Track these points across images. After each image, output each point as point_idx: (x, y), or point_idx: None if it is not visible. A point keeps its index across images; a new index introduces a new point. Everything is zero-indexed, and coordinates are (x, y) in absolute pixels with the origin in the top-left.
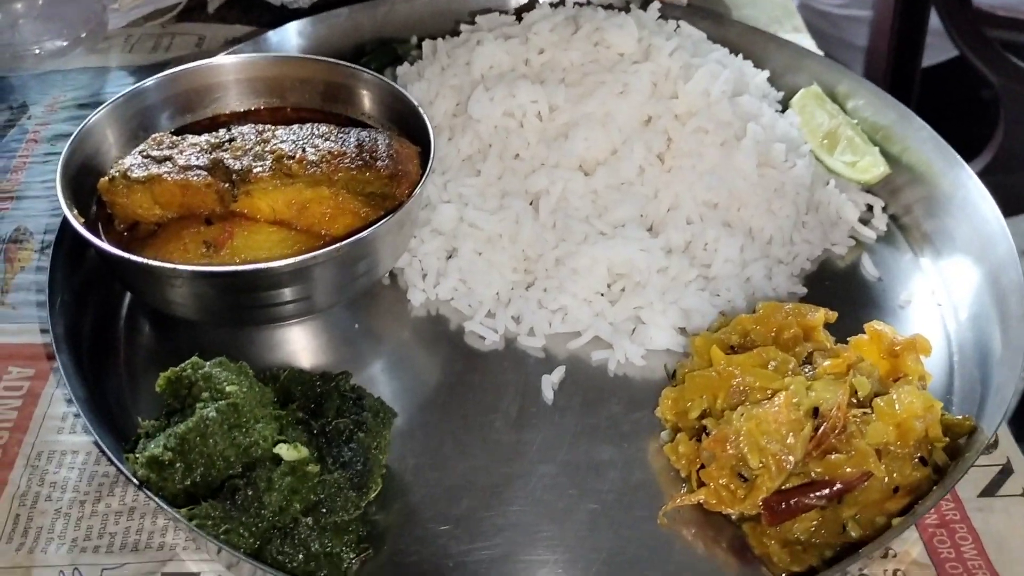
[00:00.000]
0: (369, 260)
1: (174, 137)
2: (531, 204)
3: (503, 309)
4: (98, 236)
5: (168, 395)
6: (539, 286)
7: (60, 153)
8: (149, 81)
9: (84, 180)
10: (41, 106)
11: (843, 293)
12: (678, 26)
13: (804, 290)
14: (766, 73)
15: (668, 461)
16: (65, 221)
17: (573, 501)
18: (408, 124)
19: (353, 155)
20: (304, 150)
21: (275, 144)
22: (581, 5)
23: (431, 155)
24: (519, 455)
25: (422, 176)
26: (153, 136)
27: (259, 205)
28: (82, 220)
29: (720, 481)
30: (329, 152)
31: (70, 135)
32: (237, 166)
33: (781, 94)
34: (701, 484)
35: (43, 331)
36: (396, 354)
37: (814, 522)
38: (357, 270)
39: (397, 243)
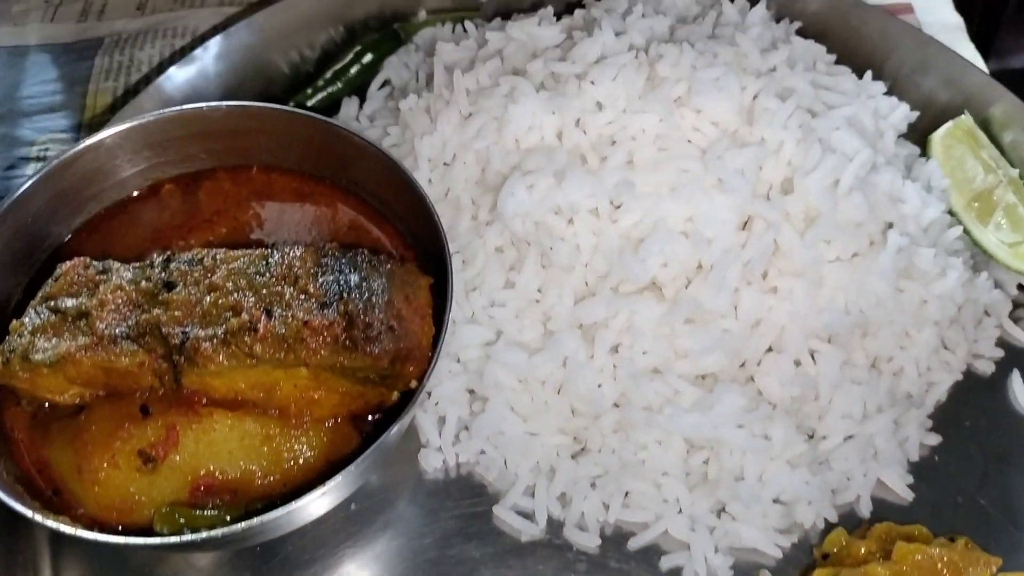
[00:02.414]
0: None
1: (91, 268)
2: (583, 332)
3: (545, 484)
4: None
5: None
6: (592, 459)
7: None
8: (40, 175)
9: None
10: None
11: (987, 439)
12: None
13: (937, 438)
14: (905, 108)
15: None
16: None
17: None
18: (411, 204)
19: (339, 330)
20: (269, 313)
21: (227, 295)
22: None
23: (449, 297)
24: None
25: (437, 340)
26: (63, 268)
27: (213, 383)
28: None
29: None
30: (305, 324)
31: None
32: (179, 337)
33: (915, 115)
34: None
35: None
36: (401, 553)
37: None
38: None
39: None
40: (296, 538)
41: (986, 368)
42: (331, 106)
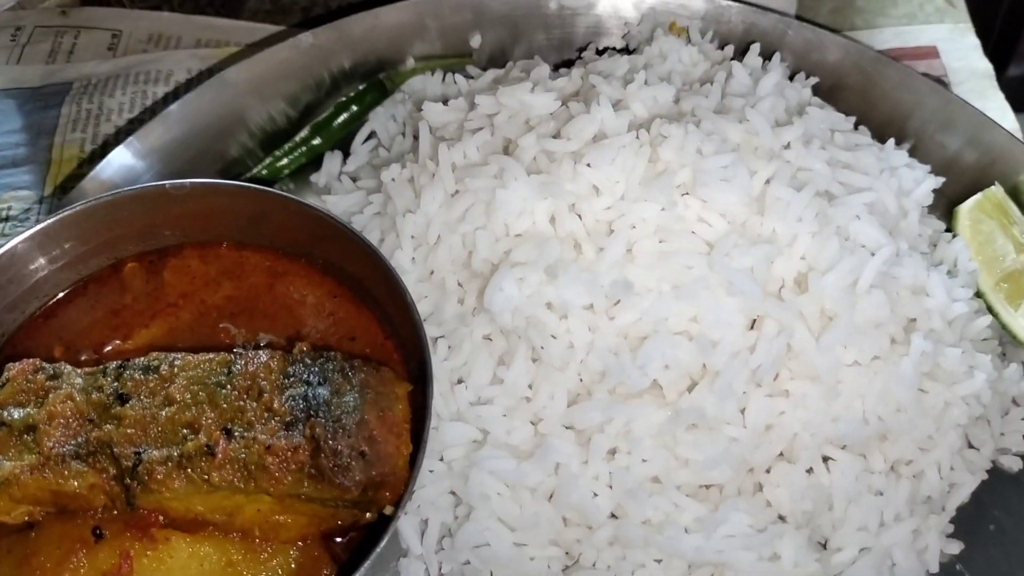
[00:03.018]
0: None
1: (41, 373)
2: (576, 436)
3: None
4: None
5: None
6: (585, 574)
7: None
8: None
9: None
10: None
11: (1014, 545)
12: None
13: (959, 545)
14: (929, 182)
15: None
16: None
17: None
18: (390, 290)
19: (304, 456)
20: (229, 433)
21: (184, 409)
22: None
23: (428, 414)
24: None
25: (415, 460)
26: (11, 372)
27: (169, 504)
28: None
29: None
30: (268, 449)
31: None
32: (132, 459)
33: (940, 181)
34: None
35: None
36: None
37: None
38: None
39: None
40: None
41: (1012, 464)
42: (313, 162)
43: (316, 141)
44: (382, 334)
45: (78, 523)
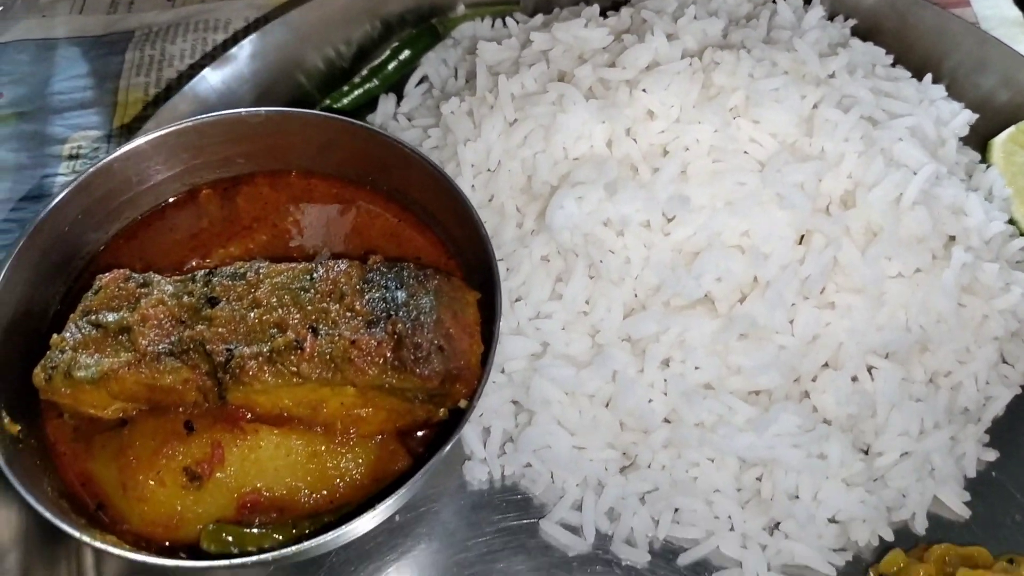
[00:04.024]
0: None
1: (131, 281)
2: (632, 347)
3: (593, 498)
4: (37, 425)
5: None
6: (641, 474)
7: None
8: (76, 183)
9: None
10: None
11: None
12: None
13: (994, 454)
14: (966, 114)
15: None
16: None
17: None
18: (455, 212)
19: (387, 350)
20: (315, 331)
21: (271, 311)
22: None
23: (497, 315)
24: None
25: (486, 358)
26: (103, 280)
27: (257, 399)
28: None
29: None
30: (352, 344)
31: None
32: (224, 355)
33: (975, 117)
34: None
35: None
36: (447, 565)
37: None
38: None
39: None
40: (340, 550)
41: None
42: (368, 103)
43: (372, 83)
44: (446, 254)
45: (170, 417)
